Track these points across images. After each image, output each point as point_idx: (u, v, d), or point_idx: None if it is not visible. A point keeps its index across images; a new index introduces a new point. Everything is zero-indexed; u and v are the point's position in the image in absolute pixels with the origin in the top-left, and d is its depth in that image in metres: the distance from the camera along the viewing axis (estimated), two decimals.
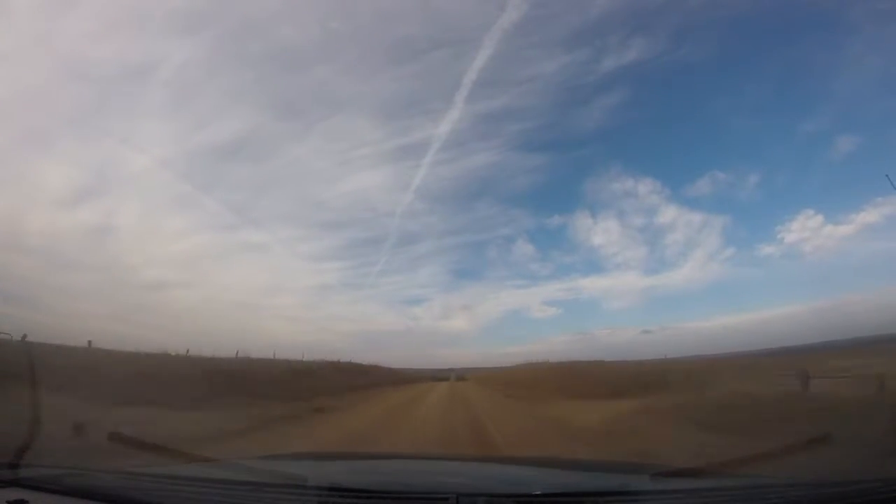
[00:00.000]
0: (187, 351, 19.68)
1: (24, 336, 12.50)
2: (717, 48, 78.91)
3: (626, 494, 1.71)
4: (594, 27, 79.27)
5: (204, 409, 11.01)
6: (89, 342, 17.34)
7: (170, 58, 64.63)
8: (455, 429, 10.54)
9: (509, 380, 31.63)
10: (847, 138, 79.40)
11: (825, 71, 74.84)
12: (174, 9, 62.24)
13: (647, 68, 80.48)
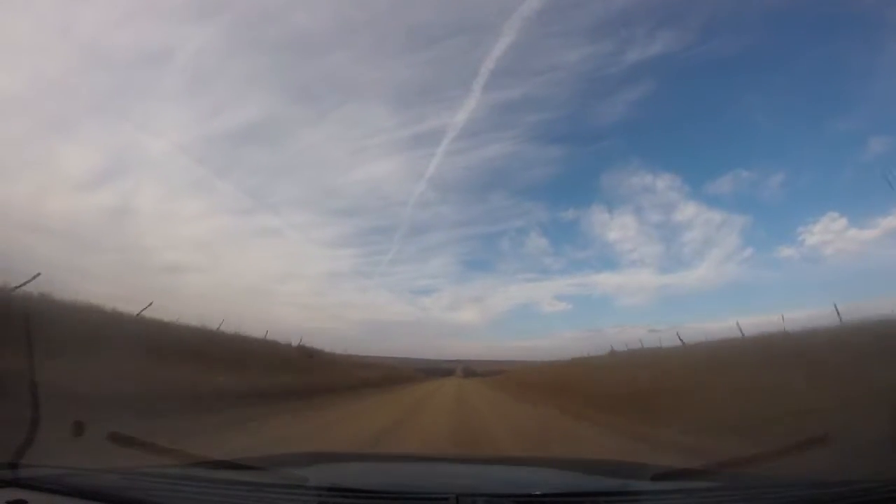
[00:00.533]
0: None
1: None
2: (749, 43, 75.36)
3: (626, 495, 1.72)
4: (620, 17, 76.05)
5: None
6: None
7: (187, 44, 65.12)
8: None
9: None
10: (880, 139, 74.95)
11: (862, 70, 71.58)
12: None
13: (674, 61, 77.24)
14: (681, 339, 21.48)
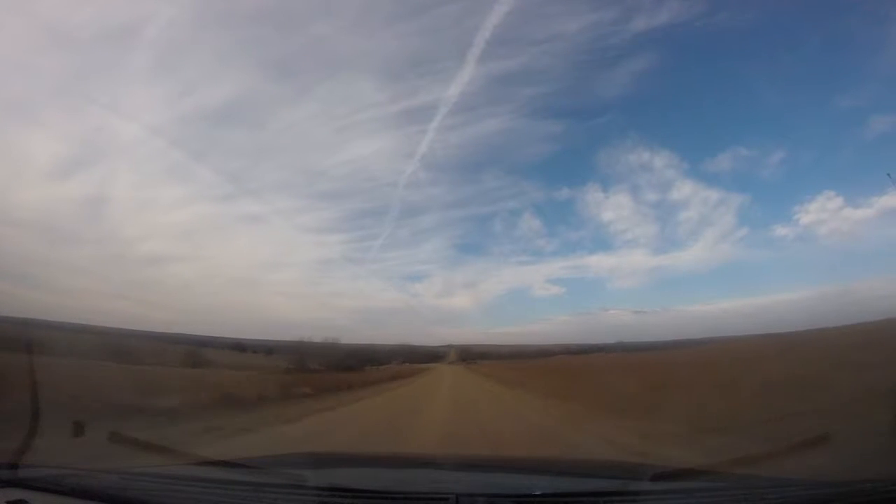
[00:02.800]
0: None
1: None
2: (753, 16, 72.30)
3: (626, 495, 1.72)
4: None
5: None
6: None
7: (155, 16, 61.87)
8: None
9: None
10: (882, 118, 73.54)
11: (866, 47, 69.32)
12: None
13: (678, 33, 72.65)
14: None
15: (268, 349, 51.96)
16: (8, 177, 54.44)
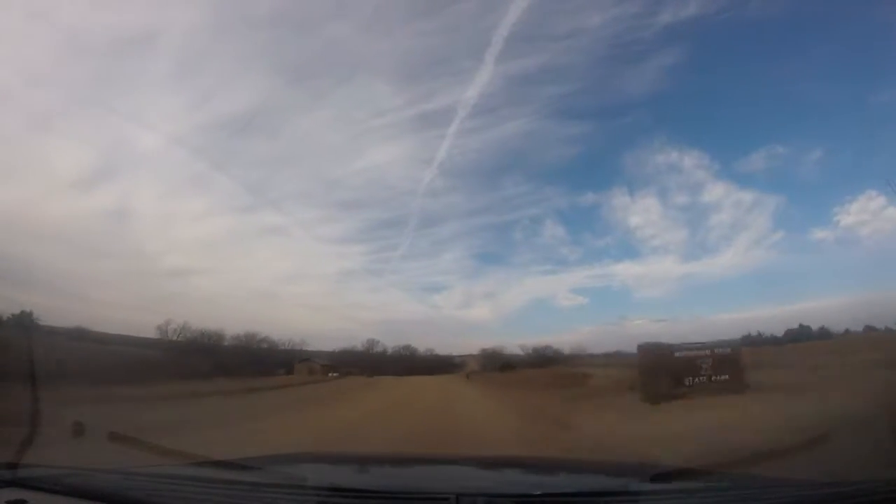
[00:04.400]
0: None
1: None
2: (791, 4, 64.69)
3: (626, 495, 1.72)
4: None
5: None
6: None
7: (170, 25, 61.15)
8: None
9: None
10: None
11: None
12: None
13: (708, 25, 63.61)
14: None
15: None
16: (36, 190, 54.71)
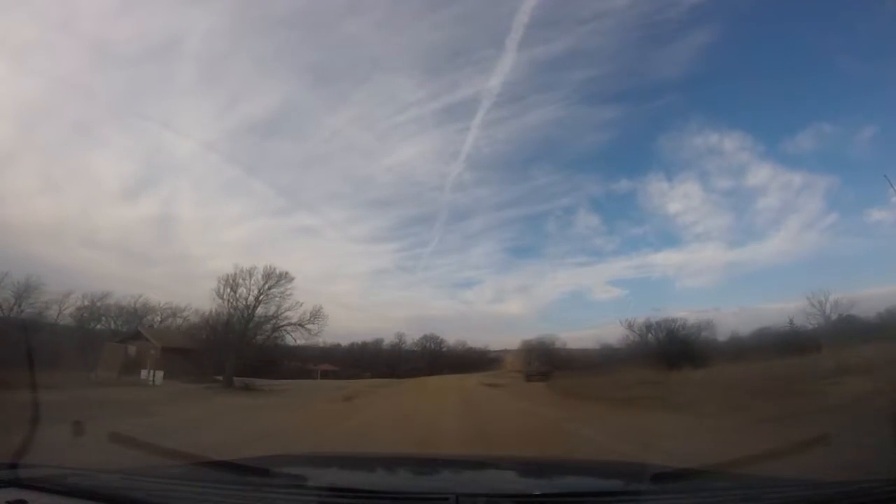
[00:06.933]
0: None
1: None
2: None
3: (626, 495, 1.72)
4: None
5: None
6: None
7: (191, 29, 60.68)
8: None
9: None
10: None
11: None
12: None
13: None
14: None
15: None
16: (87, 200, 55.72)
